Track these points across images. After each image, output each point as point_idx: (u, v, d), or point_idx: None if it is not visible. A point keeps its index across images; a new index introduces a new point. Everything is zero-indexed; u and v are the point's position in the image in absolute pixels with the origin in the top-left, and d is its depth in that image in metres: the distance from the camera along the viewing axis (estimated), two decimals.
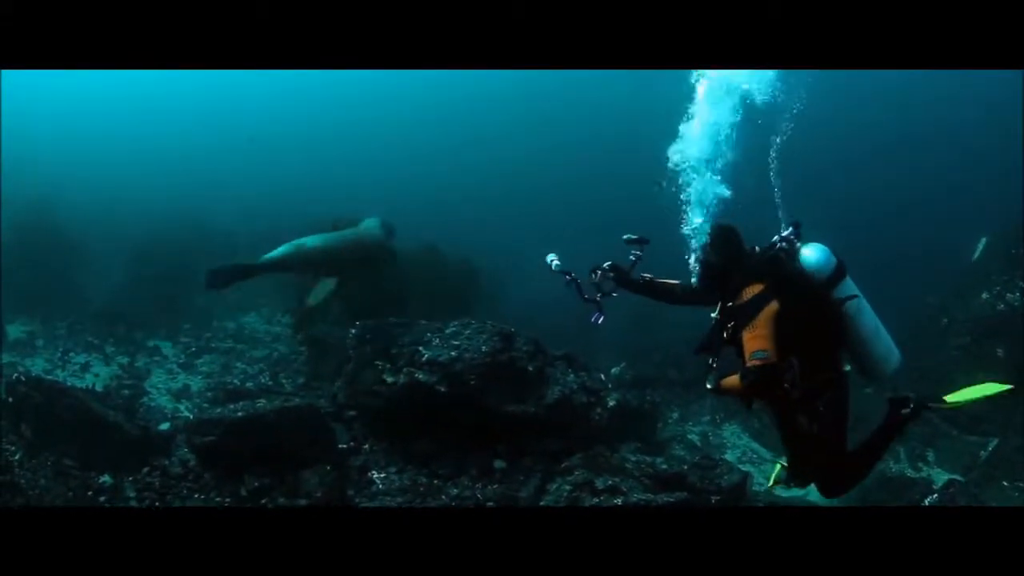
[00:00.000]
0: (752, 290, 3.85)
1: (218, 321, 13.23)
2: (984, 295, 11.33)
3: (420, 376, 6.98)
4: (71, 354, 11.03)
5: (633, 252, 4.45)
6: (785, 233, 4.05)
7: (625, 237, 4.44)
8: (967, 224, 13.92)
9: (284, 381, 10.18)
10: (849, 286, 4.03)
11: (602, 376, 8.28)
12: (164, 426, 8.35)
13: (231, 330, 12.91)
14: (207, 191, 21.86)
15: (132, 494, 6.54)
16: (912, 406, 4.23)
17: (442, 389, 6.92)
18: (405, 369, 7.10)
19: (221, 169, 28.08)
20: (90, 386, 9.34)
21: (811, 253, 3.98)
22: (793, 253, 4.00)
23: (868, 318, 4.07)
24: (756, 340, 3.73)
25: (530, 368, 7.29)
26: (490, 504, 6.68)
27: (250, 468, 6.73)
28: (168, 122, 34.64)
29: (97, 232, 14.94)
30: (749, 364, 3.73)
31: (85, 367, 10.65)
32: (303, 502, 6.55)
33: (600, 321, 4.51)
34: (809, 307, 3.89)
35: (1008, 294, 11.18)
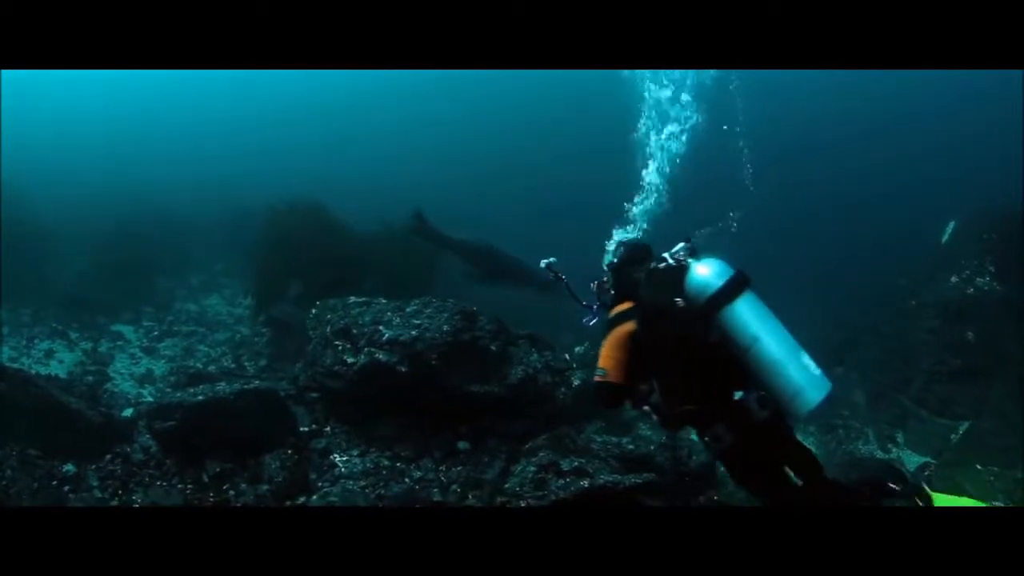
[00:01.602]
0: (620, 307, 3.88)
1: (180, 304, 13.09)
2: (954, 279, 11.39)
3: (380, 356, 6.80)
4: (35, 341, 10.86)
5: None
6: (675, 250, 3.93)
7: None
8: (938, 208, 14.01)
9: (247, 364, 10.07)
10: (743, 305, 3.67)
11: (566, 356, 8.20)
12: (127, 412, 8.21)
13: (193, 313, 12.75)
14: (167, 178, 21.71)
15: (95, 483, 6.45)
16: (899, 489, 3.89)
17: (403, 369, 6.75)
18: (365, 349, 6.92)
19: (181, 157, 27.88)
20: (54, 373, 9.21)
21: (699, 271, 3.74)
22: (683, 270, 3.79)
23: (770, 345, 3.62)
24: (601, 358, 3.83)
25: (493, 347, 7.13)
26: (455, 487, 6.60)
27: (212, 453, 6.62)
28: (128, 108, 34.36)
29: (61, 218, 14.75)
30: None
31: (49, 354, 10.49)
32: (265, 487, 6.47)
33: (592, 323, 4.51)
34: (673, 331, 3.69)
35: (978, 278, 11.24)
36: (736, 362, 3.67)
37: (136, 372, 10.01)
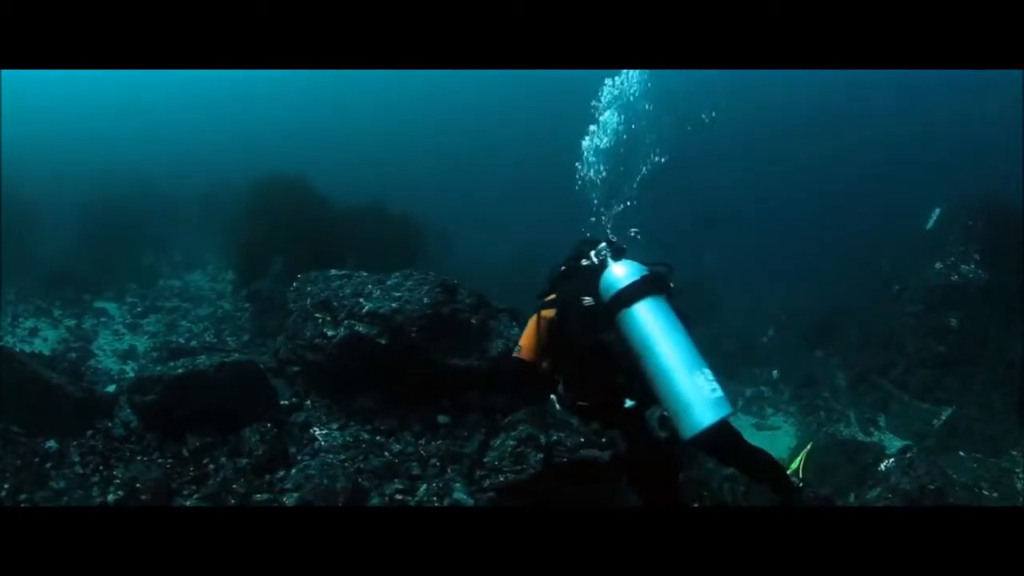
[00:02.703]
0: (550, 296, 4.04)
1: (164, 280, 13.09)
2: (938, 265, 11.43)
3: (360, 328, 6.76)
4: (20, 319, 10.83)
5: None
6: (598, 248, 3.97)
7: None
8: (924, 194, 14.06)
9: (229, 339, 10.04)
10: (644, 309, 3.53)
11: None
12: (110, 388, 8.20)
13: (176, 288, 12.77)
14: (151, 155, 21.67)
15: (77, 458, 6.43)
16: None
17: (383, 342, 6.71)
18: (345, 322, 6.88)
19: (163, 133, 27.84)
20: (37, 351, 9.18)
21: (614, 271, 3.72)
22: (602, 268, 3.81)
23: (662, 355, 3.42)
24: (522, 335, 4.01)
25: (473, 321, 7.11)
26: (434, 461, 6.59)
27: (192, 427, 6.59)
28: (112, 86, 34.28)
29: (46, 196, 14.71)
30: None
31: (33, 331, 10.46)
32: (244, 461, 6.44)
33: None
34: (578, 327, 3.75)
35: (963, 265, 11.28)
36: (632, 368, 3.52)
37: (119, 348, 10.00)
